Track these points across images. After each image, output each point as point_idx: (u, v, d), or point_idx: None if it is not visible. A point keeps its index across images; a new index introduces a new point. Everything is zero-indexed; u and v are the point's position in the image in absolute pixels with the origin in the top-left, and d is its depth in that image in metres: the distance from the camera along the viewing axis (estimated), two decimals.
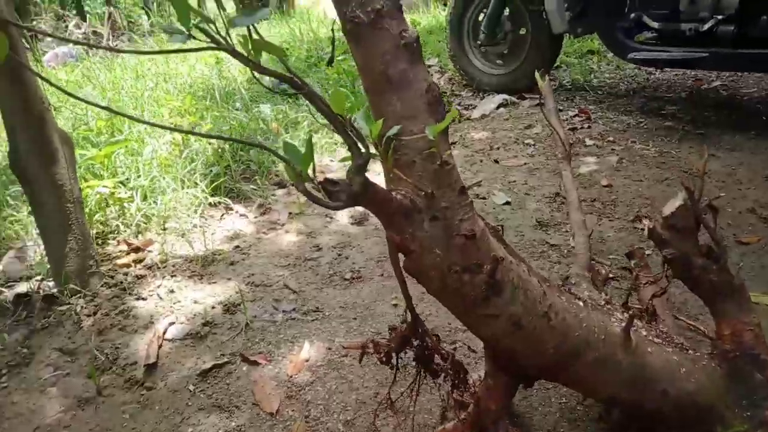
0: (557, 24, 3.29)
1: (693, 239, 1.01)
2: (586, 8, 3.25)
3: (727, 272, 1.01)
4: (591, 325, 1.00)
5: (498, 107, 3.60)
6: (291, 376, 1.49)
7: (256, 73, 0.73)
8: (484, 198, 2.46)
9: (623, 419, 1.23)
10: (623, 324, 1.00)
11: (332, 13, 1.13)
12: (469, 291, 0.90)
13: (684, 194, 0.98)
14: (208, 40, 0.68)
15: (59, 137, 1.63)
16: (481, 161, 2.85)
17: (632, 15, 3.05)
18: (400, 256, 0.91)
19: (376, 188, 0.80)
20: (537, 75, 1.29)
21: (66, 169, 1.66)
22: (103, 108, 0.77)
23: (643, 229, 2.03)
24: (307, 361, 1.54)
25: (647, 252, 1.83)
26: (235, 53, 0.70)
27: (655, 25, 3.04)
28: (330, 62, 1.12)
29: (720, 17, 2.82)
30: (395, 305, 1.72)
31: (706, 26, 2.84)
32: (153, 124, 0.75)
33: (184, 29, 0.68)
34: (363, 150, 0.78)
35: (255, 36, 0.69)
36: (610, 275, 1.32)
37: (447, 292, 0.91)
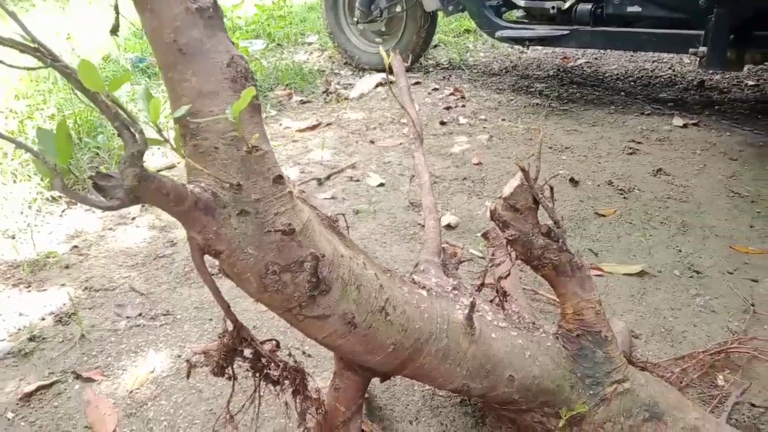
0: (429, 2, 3.26)
1: (533, 219, 0.98)
2: None
3: (567, 251, 0.99)
4: (434, 315, 0.94)
5: (376, 86, 3.52)
6: (131, 392, 1.32)
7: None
8: (358, 180, 2.38)
9: (483, 403, 1.20)
10: (467, 311, 0.95)
11: None
12: (292, 292, 0.79)
13: (521, 174, 0.94)
14: None
15: None
16: (357, 142, 2.76)
17: None
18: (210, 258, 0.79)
19: (160, 180, 0.67)
20: (382, 51, 1.20)
21: None
22: None
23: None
24: (151, 372, 1.38)
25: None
26: None
27: (522, 3, 3.09)
28: (114, 31, 0.96)
29: None
30: None
31: (567, 4, 2.93)
32: None
33: None
34: (137, 135, 0.64)
35: None
36: (463, 259, 1.28)
37: (268, 295, 0.80)
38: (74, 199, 0.64)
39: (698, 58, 2.60)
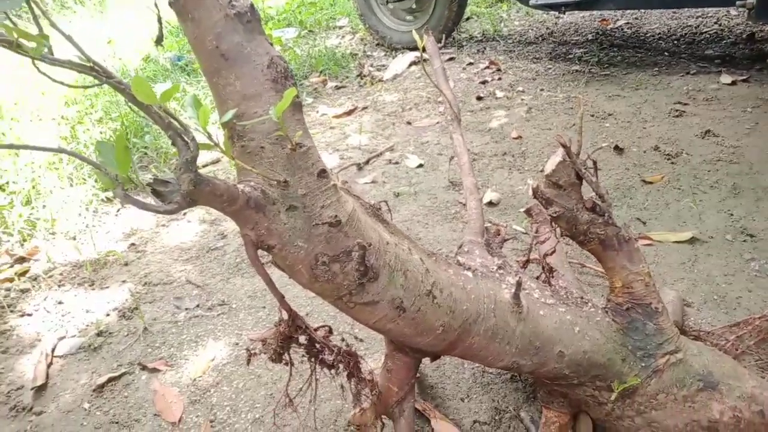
0: None
1: (577, 195, 0.98)
2: None
3: (614, 225, 0.98)
4: (480, 296, 0.95)
5: (410, 65, 3.50)
6: (194, 380, 1.39)
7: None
8: (397, 163, 2.39)
9: (534, 378, 1.22)
10: (513, 290, 0.96)
11: None
12: (342, 281, 0.83)
13: (562, 150, 0.93)
14: None
15: None
16: (394, 124, 2.77)
17: None
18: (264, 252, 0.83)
19: (214, 183, 0.71)
20: (415, 34, 1.20)
21: None
22: None
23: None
24: (212, 360, 1.45)
25: None
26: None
27: None
28: (159, 41, 0.99)
29: None
30: None
31: None
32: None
33: None
34: (190, 142, 0.68)
35: None
36: (507, 237, 1.28)
37: (319, 285, 0.83)
38: (136, 206, 0.68)
39: (747, 10, 2.48)
